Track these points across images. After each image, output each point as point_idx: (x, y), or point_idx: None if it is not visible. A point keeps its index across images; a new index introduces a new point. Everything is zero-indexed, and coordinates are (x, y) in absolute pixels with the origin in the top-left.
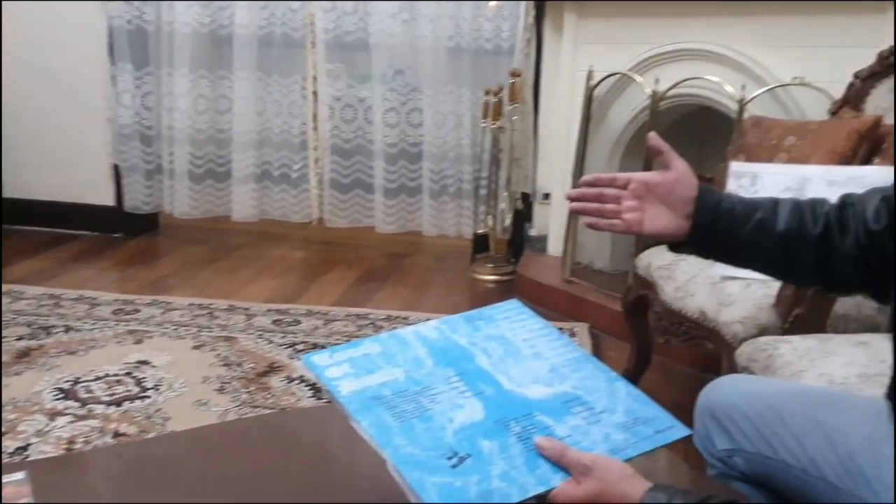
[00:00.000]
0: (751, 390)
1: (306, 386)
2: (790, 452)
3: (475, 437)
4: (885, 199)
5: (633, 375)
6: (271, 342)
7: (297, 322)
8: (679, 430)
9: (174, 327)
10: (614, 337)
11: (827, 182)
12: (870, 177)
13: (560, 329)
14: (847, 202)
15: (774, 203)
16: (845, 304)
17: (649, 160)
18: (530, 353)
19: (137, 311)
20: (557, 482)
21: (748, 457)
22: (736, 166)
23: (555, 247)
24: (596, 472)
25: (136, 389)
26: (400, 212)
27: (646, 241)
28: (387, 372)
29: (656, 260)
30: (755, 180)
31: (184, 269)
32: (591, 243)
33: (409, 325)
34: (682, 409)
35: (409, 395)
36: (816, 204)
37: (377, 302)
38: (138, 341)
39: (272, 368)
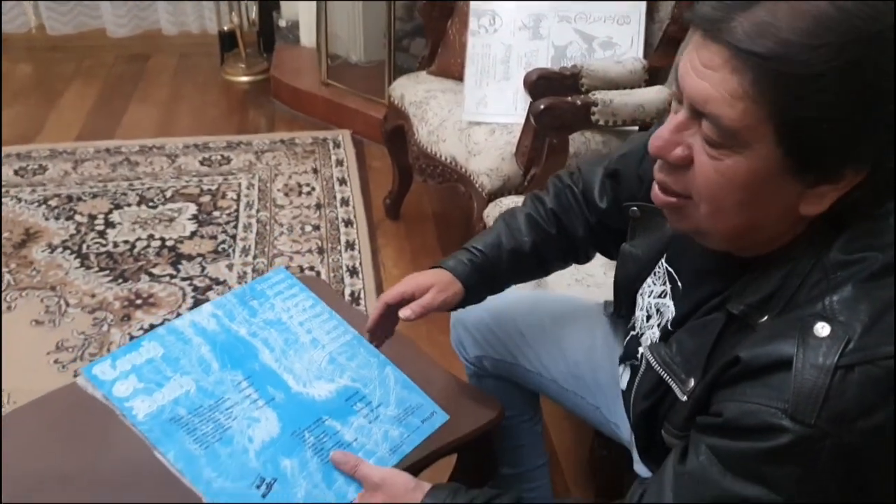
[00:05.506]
0: (494, 305)
1: (71, 254)
2: (527, 359)
3: (277, 457)
4: (608, 175)
5: (398, 197)
6: (20, 200)
7: (44, 168)
8: (440, 417)
9: None
10: (376, 142)
11: (559, 18)
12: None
13: (324, 139)
14: (565, 186)
15: (508, 227)
16: None
17: None
18: (308, 341)
19: None
20: (353, 495)
21: (494, 362)
22: (475, 6)
23: (307, 36)
24: (384, 489)
25: None
26: (132, 10)
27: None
28: (176, 383)
29: (409, 93)
30: (494, 19)
31: None
32: (344, 33)
33: (165, 155)
34: (446, 218)
35: (205, 412)
36: (539, 203)
37: (126, 128)
38: None
39: (29, 236)
